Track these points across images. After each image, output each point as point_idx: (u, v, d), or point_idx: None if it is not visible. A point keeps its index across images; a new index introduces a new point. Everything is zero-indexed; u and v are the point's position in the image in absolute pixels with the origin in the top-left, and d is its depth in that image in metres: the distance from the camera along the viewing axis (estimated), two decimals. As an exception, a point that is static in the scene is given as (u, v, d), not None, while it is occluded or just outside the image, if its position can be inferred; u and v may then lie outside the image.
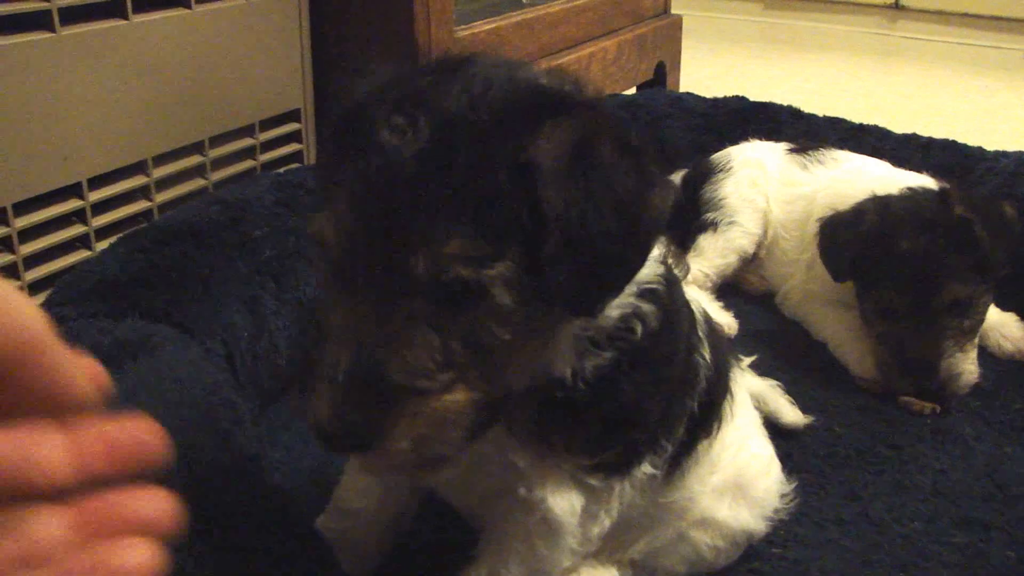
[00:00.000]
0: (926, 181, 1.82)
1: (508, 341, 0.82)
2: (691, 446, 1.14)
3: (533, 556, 1.02)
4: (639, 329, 0.94)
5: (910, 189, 1.76)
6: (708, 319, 1.20)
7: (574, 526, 1.02)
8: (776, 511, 1.30)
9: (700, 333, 1.12)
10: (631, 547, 1.21)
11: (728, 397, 1.20)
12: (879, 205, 1.74)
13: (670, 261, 1.09)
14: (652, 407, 1.00)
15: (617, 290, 0.86)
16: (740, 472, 1.25)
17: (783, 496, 1.31)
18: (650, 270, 0.96)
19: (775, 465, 1.32)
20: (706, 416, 1.15)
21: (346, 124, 0.84)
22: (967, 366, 1.67)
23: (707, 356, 1.12)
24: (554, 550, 1.02)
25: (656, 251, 0.98)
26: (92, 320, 1.34)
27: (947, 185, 1.77)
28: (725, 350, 1.23)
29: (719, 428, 1.18)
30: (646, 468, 1.06)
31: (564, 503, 0.99)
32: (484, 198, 0.77)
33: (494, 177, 0.77)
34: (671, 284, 1.02)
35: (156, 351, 1.29)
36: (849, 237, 1.75)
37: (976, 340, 1.72)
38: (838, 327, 1.86)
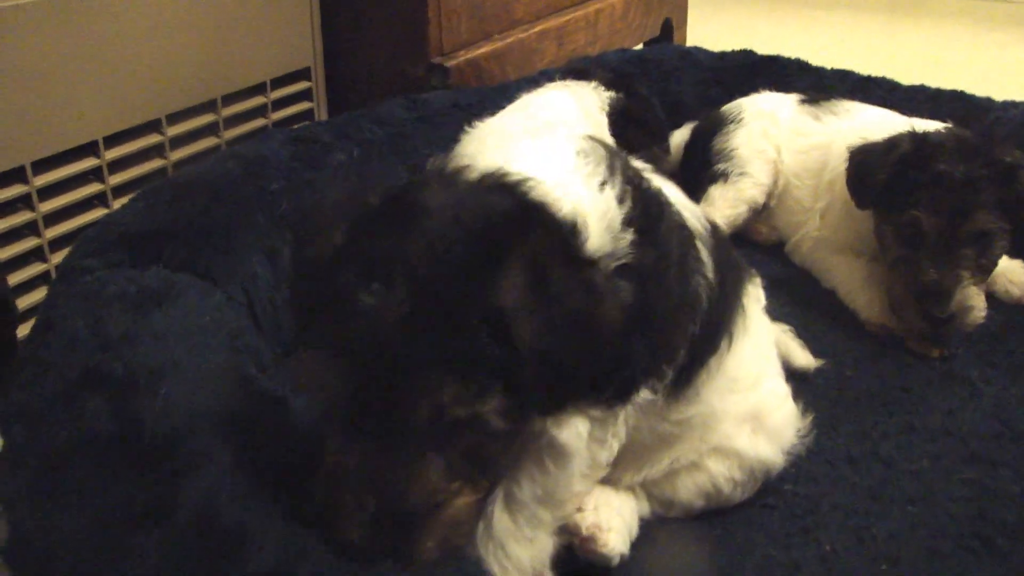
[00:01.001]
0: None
1: (501, 448, 0.97)
2: (700, 363, 1.18)
3: (545, 476, 1.07)
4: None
5: (948, 127, 1.78)
6: (715, 232, 1.22)
7: (582, 450, 1.07)
8: (792, 446, 1.34)
9: (702, 254, 1.15)
10: (653, 468, 1.25)
11: (740, 311, 1.23)
12: (915, 136, 1.75)
13: (654, 186, 1.13)
14: (639, 350, 1.03)
15: (586, 393, 0.96)
16: (758, 405, 1.28)
17: (798, 432, 1.35)
18: (618, 246, 1.01)
19: (790, 401, 1.35)
20: (712, 334, 1.18)
21: (318, 284, 0.92)
22: (979, 302, 1.68)
23: (710, 275, 1.14)
24: (563, 472, 1.07)
25: (616, 211, 1.03)
26: (117, 270, 1.37)
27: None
28: (734, 265, 1.26)
29: (731, 343, 1.21)
30: (646, 394, 1.10)
31: (570, 430, 1.05)
32: (466, 346, 0.86)
33: (470, 325, 0.86)
34: (647, 231, 1.04)
35: (181, 299, 1.32)
36: (882, 162, 1.75)
37: (986, 283, 1.74)
38: (848, 274, 1.88)
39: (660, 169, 1.95)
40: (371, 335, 0.86)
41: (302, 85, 2.44)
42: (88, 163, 1.94)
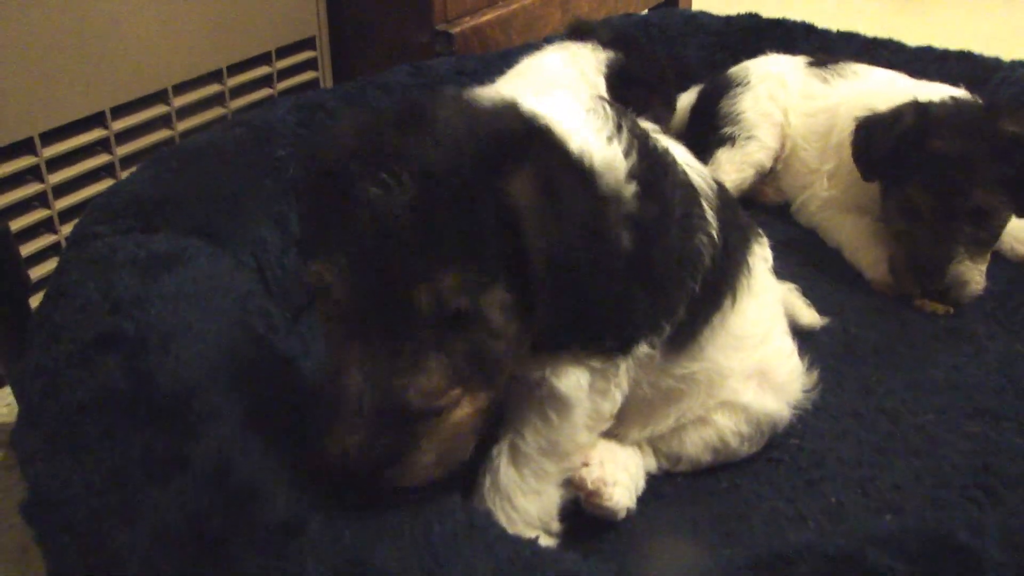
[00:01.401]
0: (961, 93, 1.83)
1: (504, 351, 0.95)
2: (703, 320, 1.19)
3: (548, 428, 1.09)
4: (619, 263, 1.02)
5: (953, 98, 1.77)
6: (722, 193, 1.24)
7: (583, 400, 1.09)
8: (798, 401, 1.35)
9: (707, 214, 1.16)
10: (660, 424, 1.27)
11: (745, 271, 1.24)
12: (918, 108, 1.75)
13: (660, 145, 1.15)
14: (637, 304, 1.06)
15: (589, 303, 0.98)
16: (764, 361, 1.30)
17: (804, 387, 1.37)
18: (622, 197, 1.02)
19: (795, 357, 1.37)
20: (715, 292, 1.19)
21: (325, 180, 0.92)
22: (974, 276, 1.70)
23: (714, 234, 1.15)
24: (567, 422, 1.09)
25: (621, 163, 1.04)
26: (127, 236, 1.39)
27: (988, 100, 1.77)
28: (741, 225, 1.27)
29: (735, 302, 1.22)
30: (644, 349, 1.12)
31: (570, 380, 1.07)
32: (470, 236, 0.88)
33: (477, 217, 0.88)
34: (650, 184, 1.06)
35: (190, 263, 1.34)
36: (885, 136, 1.76)
37: (988, 255, 1.74)
38: (854, 233, 1.89)
39: (665, 129, 1.96)
40: (375, 225, 0.87)
41: (307, 54, 2.44)
42: (96, 134, 1.95)
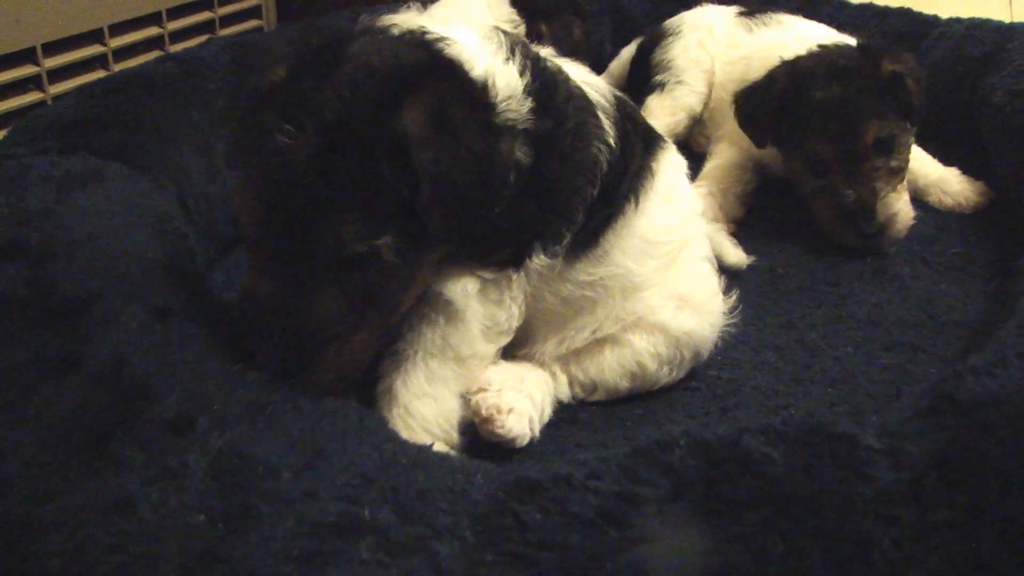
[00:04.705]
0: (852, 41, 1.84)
1: (396, 288, 1.05)
2: (605, 223, 1.20)
3: (434, 330, 1.13)
4: (512, 178, 1.07)
5: (820, 46, 1.79)
6: (621, 106, 1.25)
7: (473, 306, 1.13)
8: (718, 322, 1.36)
9: (603, 123, 1.18)
10: (577, 336, 1.27)
11: (647, 176, 1.25)
12: (788, 67, 1.78)
13: (552, 64, 1.19)
14: (528, 217, 1.11)
15: (479, 223, 1.05)
16: (684, 283, 1.31)
17: (724, 308, 1.38)
18: (520, 113, 1.08)
19: (714, 278, 1.38)
20: (615, 195, 1.20)
21: (246, 120, 1.01)
22: (901, 206, 1.71)
23: (611, 141, 1.18)
24: (459, 326, 1.13)
25: (518, 82, 1.10)
26: (43, 156, 1.37)
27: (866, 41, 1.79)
28: (643, 134, 1.28)
29: (638, 204, 1.23)
30: (543, 260, 1.15)
31: (456, 287, 1.12)
32: (368, 186, 0.96)
33: (373, 157, 0.96)
34: (545, 102, 1.11)
35: (107, 182, 1.33)
36: (763, 102, 1.79)
37: (905, 183, 1.75)
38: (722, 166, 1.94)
39: (571, 37, 1.97)
40: (283, 172, 0.95)
41: (251, 2, 2.42)
42: (27, 70, 1.93)
